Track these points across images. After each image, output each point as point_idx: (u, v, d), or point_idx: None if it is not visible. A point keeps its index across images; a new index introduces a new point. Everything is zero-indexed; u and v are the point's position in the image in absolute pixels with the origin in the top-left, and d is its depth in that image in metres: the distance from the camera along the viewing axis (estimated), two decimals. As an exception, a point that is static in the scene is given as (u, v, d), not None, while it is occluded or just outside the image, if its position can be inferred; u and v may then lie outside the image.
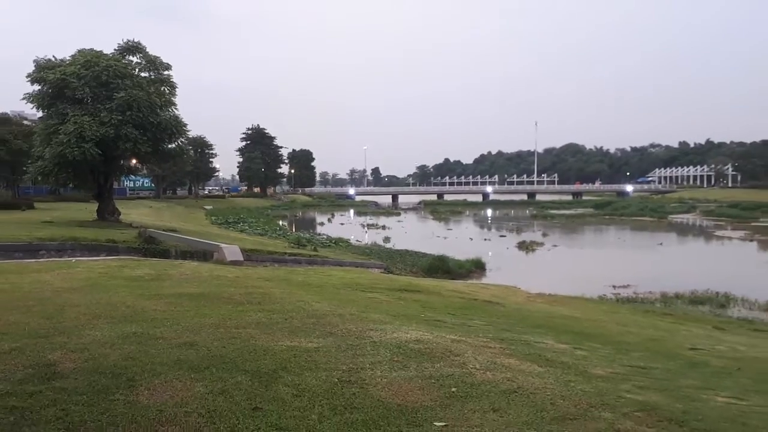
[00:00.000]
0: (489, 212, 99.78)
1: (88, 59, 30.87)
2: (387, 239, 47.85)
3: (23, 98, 31.13)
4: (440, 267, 29.03)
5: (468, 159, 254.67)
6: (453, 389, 5.18)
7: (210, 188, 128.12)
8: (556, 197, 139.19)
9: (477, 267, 30.85)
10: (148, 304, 8.91)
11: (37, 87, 30.76)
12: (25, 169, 38.70)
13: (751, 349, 10.96)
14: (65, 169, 30.23)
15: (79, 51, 32.18)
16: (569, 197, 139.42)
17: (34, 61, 31.26)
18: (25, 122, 53.94)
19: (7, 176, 56.38)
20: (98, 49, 32.42)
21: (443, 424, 4.35)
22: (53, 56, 31.86)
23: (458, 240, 48.24)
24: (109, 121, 29.40)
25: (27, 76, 30.71)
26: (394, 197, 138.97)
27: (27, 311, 8.29)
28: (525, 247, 43.07)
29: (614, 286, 25.17)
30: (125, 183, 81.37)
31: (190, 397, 4.78)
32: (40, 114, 33.53)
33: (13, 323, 7.48)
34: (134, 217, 37.19)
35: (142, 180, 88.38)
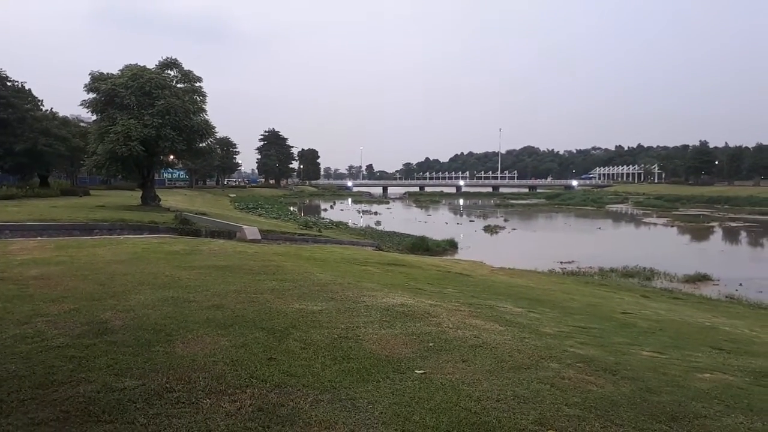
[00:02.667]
0: (461, 202, 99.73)
1: (134, 72, 30.61)
2: (378, 223, 47.83)
3: (81, 104, 30.91)
4: (421, 245, 29.09)
5: (445, 158, 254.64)
6: (430, 344, 5.21)
7: (234, 180, 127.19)
8: (515, 190, 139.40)
9: (451, 246, 30.91)
10: (183, 274, 8.87)
11: (92, 95, 30.50)
12: (82, 162, 38.38)
13: (670, 313, 11.06)
14: (115, 163, 30.04)
15: (126, 66, 31.87)
16: (526, 190, 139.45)
17: (90, 74, 30.93)
18: (82, 124, 53.13)
19: (67, 168, 55.81)
20: (142, 64, 32.15)
21: (422, 371, 4.37)
22: (102, 71, 31.54)
23: (436, 224, 48.30)
24: (151, 123, 29.23)
25: (84, 86, 30.42)
26: (385, 189, 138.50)
27: (83, 279, 8.24)
28: (490, 230, 43.19)
29: (561, 262, 25.30)
30: (164, 175, 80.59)
31: (217, 349, 4.78)
32: (94, 117, 33.14)
33: (72, 288, 7.43)
34: (171, 203, 36.96)
35: (178, 172, 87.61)
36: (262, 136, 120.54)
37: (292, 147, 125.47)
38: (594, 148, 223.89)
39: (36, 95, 50.24)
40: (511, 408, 3.66)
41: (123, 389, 3.83)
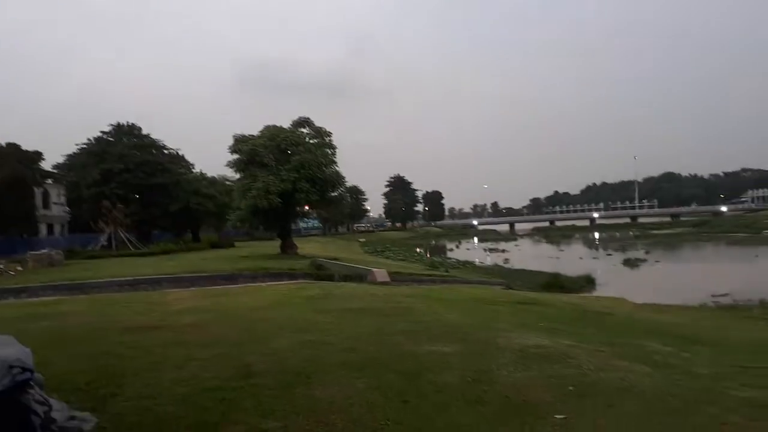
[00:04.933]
0: (596, 235, 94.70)
1: (272, 133, 33.22)
2: (506, 260, 46.65)
3: (226, 164, 33.97)
4: (554, 283, 27.78)
5: (576, 191, 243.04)
6: (570, 387, 4.92)
7: (363, 225, 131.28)
8: (656, 219, 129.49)
9: (587, 282, 29.18)
10: (319, 318, 9.19)
11: (235, 156, 33.39)
12: (227, 217, 41.82)
13: None
14: (257, 216, 32.44)
15: (265, 127, 34.67)
16: (668, 219, 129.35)
17: (233, 136, 33.98)
18: (227, 182, 58.21)
19: (215, 223, 60.83)
20: (278, 125, 34.76)
21: (563, 416, 4.13)
22: (244, 133, 34.50)
23: (569, 259, 46.04)
24: (288, 178, 31.28)
25: (228, 148, 33.44)
26: (511, 225, 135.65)
27: (230, 325, 8.80)
28: (630, 263, 40.42)
29: (713, 295, 22.92)
30: (300, 224, 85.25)
31: (353, 392, 4.86)
32: (237, 176, 36.10)
33: (220, 334, 7.97)
34: (307, 250, 38.80)
35: (312, 221, 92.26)
36: (387, 182, 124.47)
37: (417, 190, 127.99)
38: (744, 170, 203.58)
39: (188, 160, 55.93)
40: (666, 458, 3.33)
41: (267, 430, 4.01)
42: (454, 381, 5.13)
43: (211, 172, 57.98)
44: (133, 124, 51.59)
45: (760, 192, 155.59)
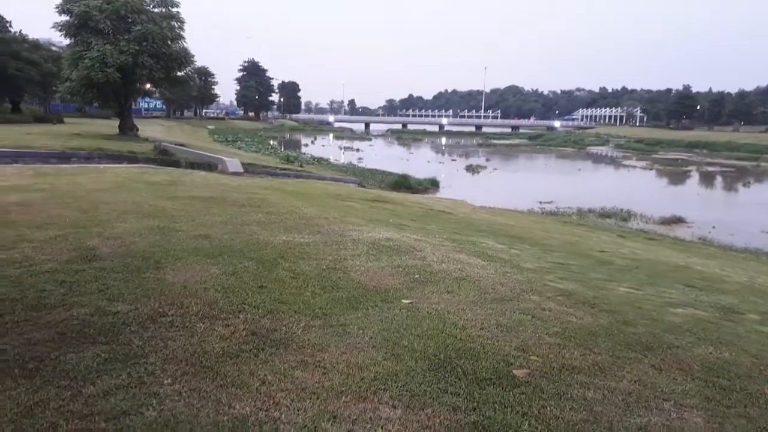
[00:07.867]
0: (443, 140, 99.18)
1: (109, -5, 29.34)
2: (360, 159, 47.51)
3: (53, 26, 29.63)
4: (403, 183, 29.09)
5: (429, 95, 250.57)
6: (416, 276, 5.35)
7: (212, 111, 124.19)
8: (498, 130, 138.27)
9: (433, 184, 30.97)
10: (167, 204, 8.82)
11: (64, 17, 29.27)
12: (55, 88, 37.25)
13: (646, 253, 11.39)
14: (91, 90, 29.27)
15: (100, -14, 30.49)
16: (509, 130, 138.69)
17: (62, -7, 29.57)
18: (53, 48, 51.13)
19: (40, 94, 54.03)
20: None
21: (409, 301, 4.52)
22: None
23: (418, 162, 48.13)
24: (128, 50, 28.33)
25: (55, 7, 29.14)
26: (367, 125, 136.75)
27: (66, 207, 8.16)
28: (472, 169, 43.31)
29: (541, 202, 25.60)
30: (141, 104, 78.43)
31: (208, 277, 4.85)
32: (67, 41, 31.91)
33: (55, 216, 7.37)
34: (149, 133, 36.19)
35: (154, 102, 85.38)
36: (241, 67, 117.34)
37: (272, 78, 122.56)
38: (578, 89, 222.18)
39: (3, 16, 48.02)
40: (495, 336, 3.82)
41: (116, 313, 3.91)
42: (310, 269, 5.32)
43: (33, 35, 50.61)
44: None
45: (588, 111, 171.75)
